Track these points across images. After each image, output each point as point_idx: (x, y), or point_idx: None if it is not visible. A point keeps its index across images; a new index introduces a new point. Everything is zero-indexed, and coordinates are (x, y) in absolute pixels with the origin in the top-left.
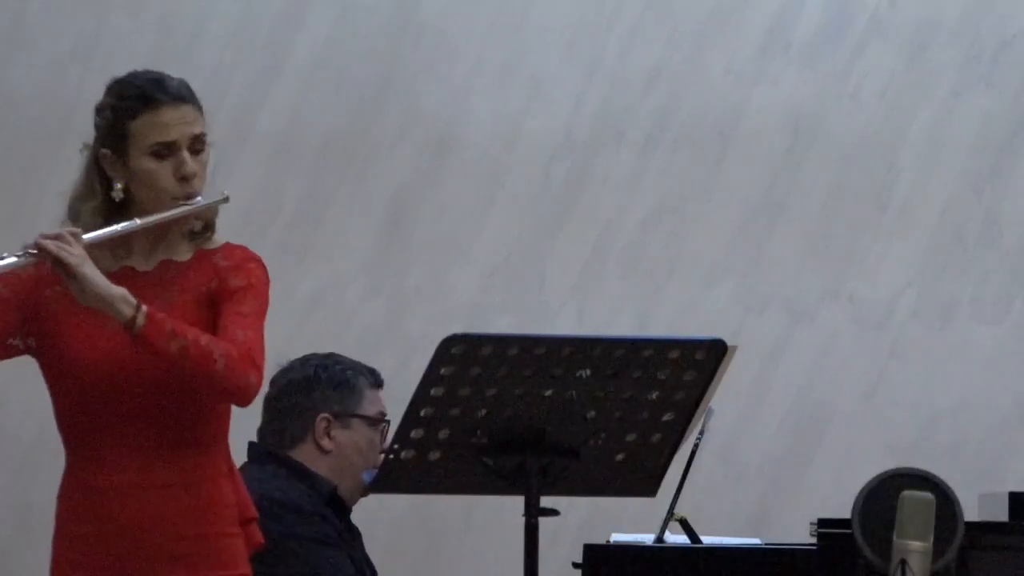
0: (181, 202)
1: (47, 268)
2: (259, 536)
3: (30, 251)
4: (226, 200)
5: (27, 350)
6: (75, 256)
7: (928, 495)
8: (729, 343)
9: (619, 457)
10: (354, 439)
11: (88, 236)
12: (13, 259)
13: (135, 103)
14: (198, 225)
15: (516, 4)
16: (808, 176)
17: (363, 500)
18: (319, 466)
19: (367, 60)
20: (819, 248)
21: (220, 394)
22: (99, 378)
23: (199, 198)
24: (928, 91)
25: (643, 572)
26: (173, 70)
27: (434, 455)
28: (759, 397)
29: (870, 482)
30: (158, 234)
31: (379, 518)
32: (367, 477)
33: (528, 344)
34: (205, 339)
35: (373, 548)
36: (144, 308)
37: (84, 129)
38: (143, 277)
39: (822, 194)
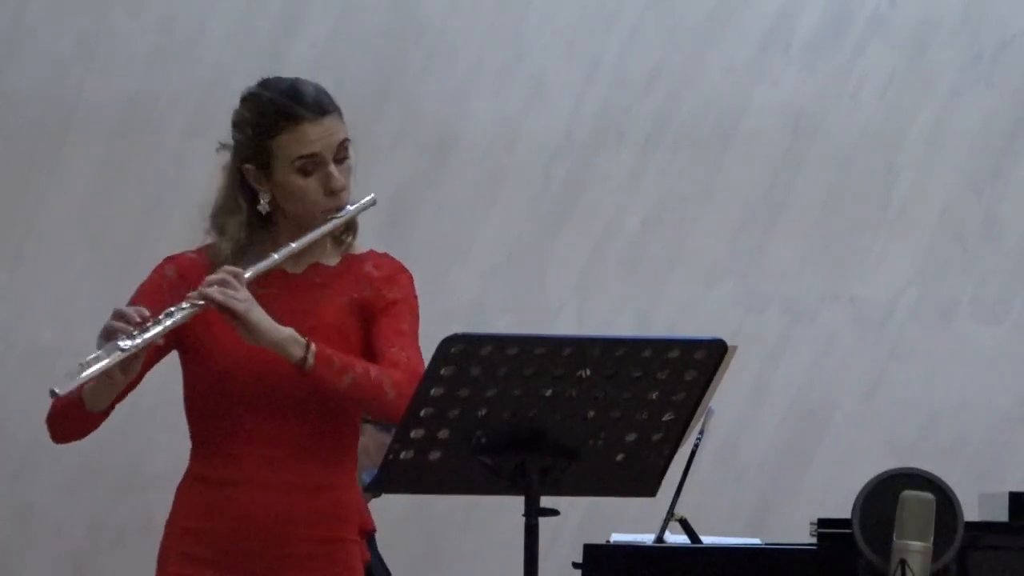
0: (331, 216)
1: (187, 272)
2: (367, 553)
3: (196, 302)
4: (373, 202)
5: (173, 346)
6: (242, 303)
7: (928, 495)
8: (729, 343)
9: (619, 457)
10: (364, 442)
11: (249, 273)
12: (182, 312)
13: (275, 119)
14: (341, 227)
15: (516, 4)
16: (808, 176)
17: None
18: None
19: (367, 60)
20: (819, 248)
21: (390, 420)
22: (245, 379)
23: (348, 208)
24: (928, 91)
25: (643, 572)
26: (173, 70)
27: (434, 455)
28: (759, 397)
29: (870, 482)
30: (303, 236)
31: (379, 518)
32: (367, 478)
33: (528, 344)
34: (375, 371)
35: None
36: (313, 347)
37: (84, 129)
38: (293, 280)
39: (822, 194)
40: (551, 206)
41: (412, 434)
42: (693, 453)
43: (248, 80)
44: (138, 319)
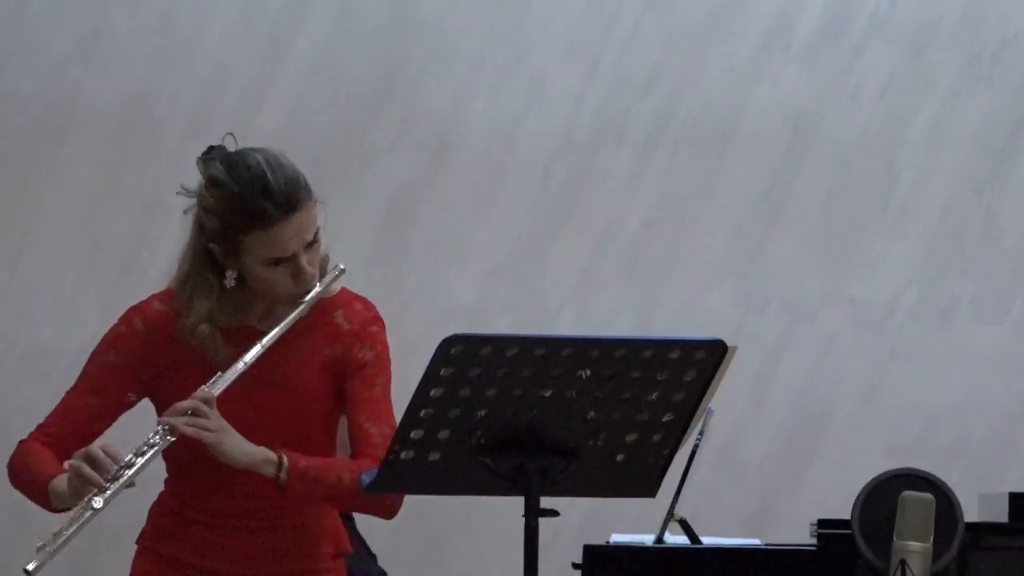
0: (300, 300)
1: (155, 325)
2: (344, 571)
3: (167, 437)
4: (342, 273)
5: (143, 396)
6: (213, 434)
7: (928, 495)
8: (729, 343)
9: (619, 457)
10: (339, 434)
11: (219, 391)
12: (153, 449)
13: (244, 220)
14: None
15: (516, 4)
16: (808, 176)
17: None
18: None
19: (367, 60)
20: (819, 248)
21: (369, 513)
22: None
23: (316, 287)
24: (928, 91)
25: (643, 572)
26: (173, 70)
27: (434, 455)
28: (759, 397)
29: (870, 482)
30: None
31: (379, 519)
32: (366, 478)
33: (528, 344)
34: (347, 476)
35: (373, 548)
36: (286, 463)
37: (84, 129)
38: (263, 336)
39: (822, 194)
40: (551, 206)
41: (412, 434)
42: (693, 453)
43: (248, 80)
44: (111, 466)
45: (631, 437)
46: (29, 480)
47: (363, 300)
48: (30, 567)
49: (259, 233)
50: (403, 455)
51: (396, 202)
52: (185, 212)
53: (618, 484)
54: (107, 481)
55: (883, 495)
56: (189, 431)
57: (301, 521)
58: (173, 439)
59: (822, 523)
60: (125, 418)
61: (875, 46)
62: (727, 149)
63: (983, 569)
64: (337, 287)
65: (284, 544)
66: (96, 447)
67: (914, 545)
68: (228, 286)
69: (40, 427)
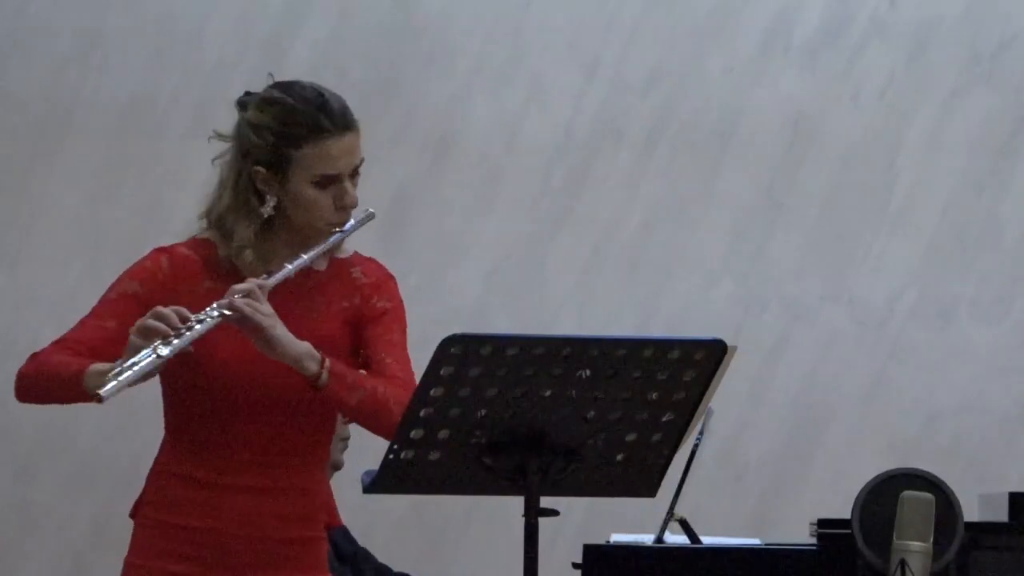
0: (336, 229)
1: (180, 267)
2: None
3: (224, 311)
4: (373, 217)
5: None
6: (267, 318)
7: (928, 495)
8: (729, 343)
9: (619, 457)
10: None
11: (272, 282)
12: (212, 321)
13: (300, 131)
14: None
15: (516, 4)
16: (808, 176)
17: (363, 500)
18: None
19: (367, 60)
20: (819, 248)
21: (389, 437)
22: (229, 380)
23: (351, 223)
24: (928, 91)
25: (643, 572)
26: (173, 70)
27: (434, 455)
28: (759, 397)
29: (870, 482)
30: (303, 244)
31: (379, 518)
32: (366, 478)
33: (528, 344)
34: (382, 388)
35: (373, 548)
36: (328, 363)
37: (84, 129)
38: (285, 286)
39: (822, 194)
40: (551, 206)
41: (412, 434)
42: (693, 453)
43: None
44: (177, 322)
45: (631, 437)
46: (53, 373)
47: (376, 260)
48: (101, 392)
49: (313, 146)
50: (403, 455)
51: (396, 202)
52: (214, 161)
53: (618, 484)
54: (173, 338)
55: (883, 495)
56: (248, 310)
57: (303, 486)
58: (229, 315)
59: (822, 523)
60: (139, 395)
61: (875, 46)
62: (727, 149)
63: (983, 569)
64: (348, 250)
65: (286, 508)
66: (163, 308)
67: (914, 545)
68: (265, 214)
69: (56, 342)
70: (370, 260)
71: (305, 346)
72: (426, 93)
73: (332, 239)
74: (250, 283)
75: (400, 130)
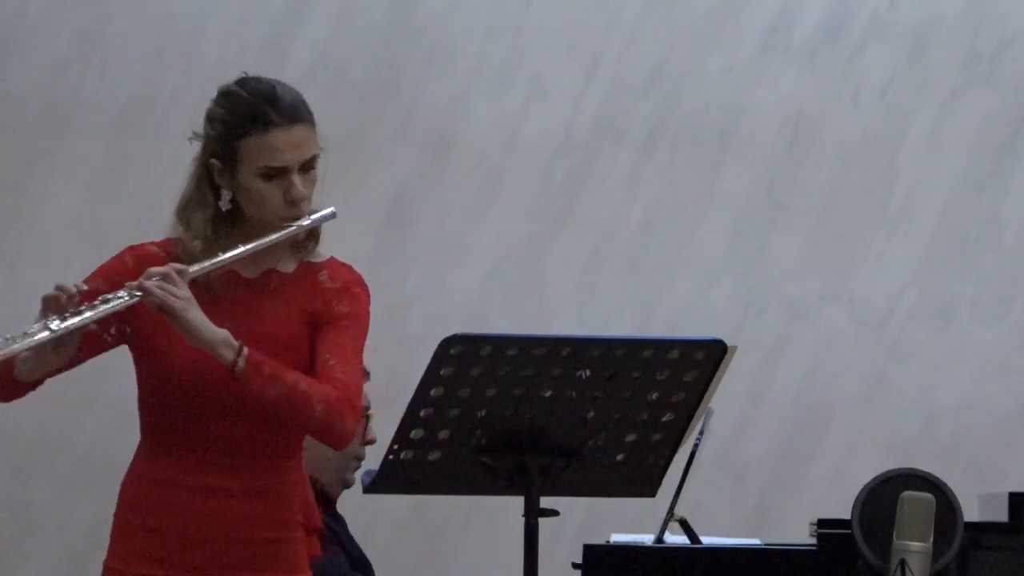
0: (287, 224)
1: (144, 264)
2: (317, 549)
3: (134, 292)
4: (333, 215)
5: (121, 341)
6: (180, 300)
7: (928, 495)
8: (729, 343)
9: (619, 457)
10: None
11: (194, 270)
12: (118, 301)
13: (245, 122)
14: (302, 234)
15: (516, 4)
16: (808, 176)
17: (363, 500)
18: None
19: (367, 60)
20: (819, 248)
21: (316, 437)
22: (194, 379)
23: (306, 217)
24: (928, 91)
25: (643, 572)
26: (173, 70)
27: (434, 455)
28: (759, 397)
29: (870, 482)
30: (258, 237)
31: (379, 518)
32: (366, 478)
33: (527, 344)
34: (304, 384)
35: (373, 548)
36: (245, 351)
37: (84, 129)
38: (247, 284)
39: (822, 194)
40: (551, 206)
41: (412, 434)
42: (693, 453)
43: None
44: (74, 292)
45: (631, 437)
46: None
47: (349, 266)
48: None
49: (258, 137)
50: (403, 455)
51: (396, 202)
52: (191, 140)
53: (618, 484)
54: (70, 313)
55: (883, 495)
56: (157, 291)
57: (272, 487)
58: (139, 296)
59: (822, 523)
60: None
61: (875, 46)
62: (727, 149)
63: (983, 569)
64: (326, 254)
65: (255, 510)
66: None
67: (914, 545)
68: (223, 208)
69: None
70: (343, 265)
71: (223, 333)
72: (426, 93)
73: (279, 233)
74: (168, 267)
75: (400, 130)
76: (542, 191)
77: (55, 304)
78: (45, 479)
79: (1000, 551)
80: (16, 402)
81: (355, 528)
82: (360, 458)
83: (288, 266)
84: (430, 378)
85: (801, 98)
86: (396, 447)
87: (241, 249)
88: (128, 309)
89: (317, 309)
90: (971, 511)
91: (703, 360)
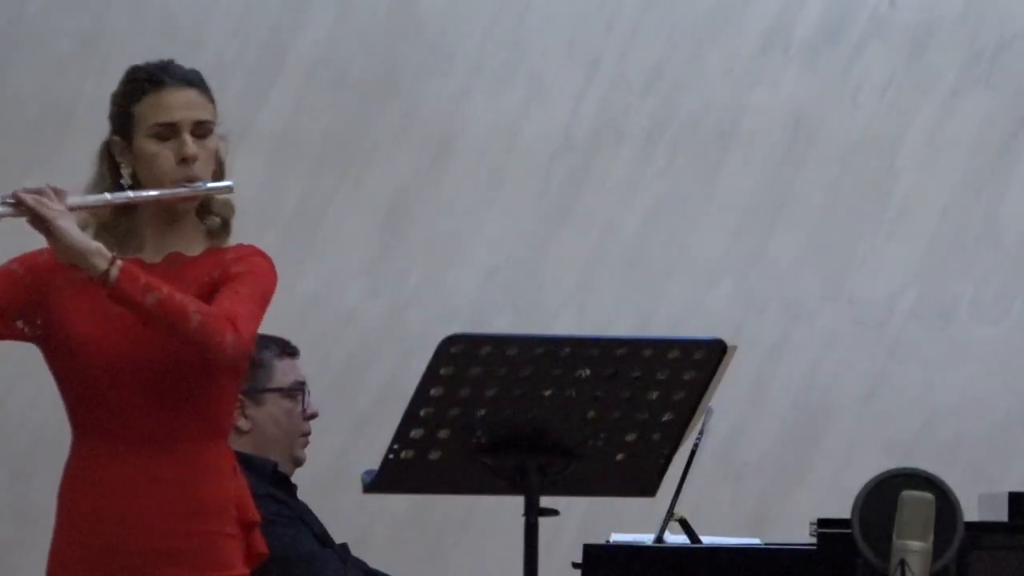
0: (181, 184)
1: (32, 267)
2: (262, 545)
3: (7, 200)
4: (230, 189)
5: (32, 336)
6: (52, 210)
7: (928, 495)
8: (729, 343)
9: (619, 457)
10: (270, 412)
11: (73, 198)
12: None
13: (140, 85)
14: (215, 223)
15: (516, 4)
16: (808, 176)
17: (363, 500)
18: (243, 447)
19: (367, 60)
20: (819, 248)
21: (195, 349)
22: (104, 361)
23: (201, 183)
24: (928, 91)
25: (643, 572)
26: None
27: (434, 455)
28: (759, 397)
29: (870, 482)
30: (168, 226)
31: (379, 518)
32: (367, 477)
33: (527, 344)
34: (180, 295)
35: (373, 548)
36: (119, 262)
37: (84, 129)
38: (150, 268)
39: (822, 194)
40: (551, 206)
41: (412, 434)
42: (693, 453)
43: (248, 79)
44: None
45: (631, 436)
46: None
47: (257, 247)
48: None
49: (150, 97)
50: (403, 455)
51: (396, 202)
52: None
53: (618, 483)
54: None
55: (883, 495)
56: (30, 200)
57: (193, 476)
58: (12, 204)
59: (822, 523)
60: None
61: (875, 46)
62: (727, 149)
63: (983, 569)
64: (234, 237)
65: (173, 501)
66: None
67: (914, 545)
68: (124, 185)
69: None
70: (248, 246)
71: (96, 245)
72: (426, 93)
73: (170, 190)
74: (45, 186)
75: (400, 130)
76: (542, 191)
77: None
78: (45, 480)
79: (1000, 551)
80: (16, 402)
81: (355, 528)
82: (306, 433)
83: (195, 249)
84: (430, 378)
85: (801, 98)
86: (396, 446)
87: (129, 194)
88: (38, 301)
89: (216, 277)
90: (971, 511)
91: (703, 360)
